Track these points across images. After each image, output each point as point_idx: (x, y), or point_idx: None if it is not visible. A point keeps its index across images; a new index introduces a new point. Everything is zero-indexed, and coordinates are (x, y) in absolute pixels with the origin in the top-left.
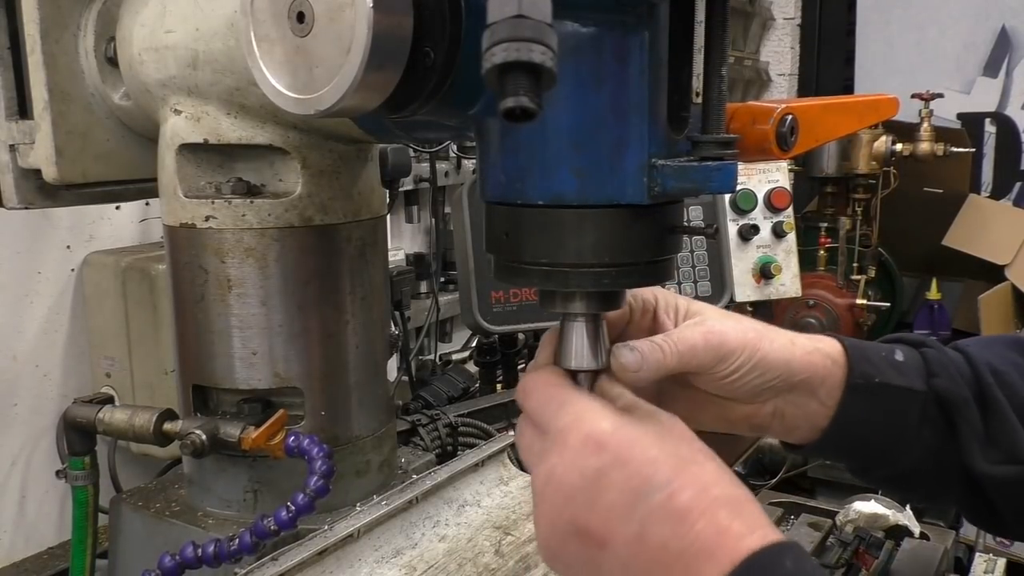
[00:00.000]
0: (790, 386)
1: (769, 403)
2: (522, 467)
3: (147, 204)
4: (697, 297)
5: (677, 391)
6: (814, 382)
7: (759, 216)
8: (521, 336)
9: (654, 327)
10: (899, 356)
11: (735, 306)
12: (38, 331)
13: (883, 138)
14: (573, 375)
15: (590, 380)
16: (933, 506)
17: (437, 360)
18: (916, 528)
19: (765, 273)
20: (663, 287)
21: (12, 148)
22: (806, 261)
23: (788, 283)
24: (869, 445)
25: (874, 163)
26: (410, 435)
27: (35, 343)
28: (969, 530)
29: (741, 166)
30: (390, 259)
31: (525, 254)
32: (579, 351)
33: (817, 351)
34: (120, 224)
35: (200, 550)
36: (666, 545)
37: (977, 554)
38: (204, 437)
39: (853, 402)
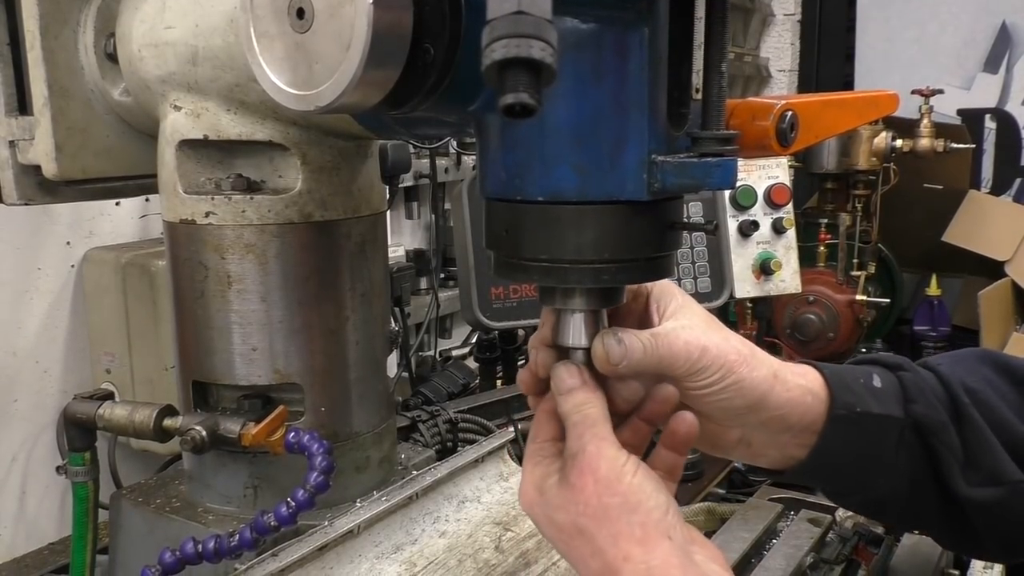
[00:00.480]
0: (761, 420)
1: (737, 429)
2: (522, 463)
3: (147, 200)
4: (697, 293)
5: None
6: (790, 419)
7: (759, 212)
8: (521, 332)
9: (644, 314)
10: (877, 382)
11: (735, 302)
12: (38, 327)
13: (883, 134)
14: (567, 350)
15: (585, 357)
16: (907, 529)
17: (437, 356)
18: None
19: (765, 269)
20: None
21: (12, 144)
22: (806, 257)
23: (788, 279)
24: (847, 472)
25: (874, 159)
26: (410, 431)
27: (35, 339)
28: None
29: (741, 162)
30: (390, 255)
31: (525, 250)
32: (576, 330)
33: (798, 387)
34: (120, 220)
35: (200, 546)
36: None
37: None
38: (204, 433)
39: (835, 433)
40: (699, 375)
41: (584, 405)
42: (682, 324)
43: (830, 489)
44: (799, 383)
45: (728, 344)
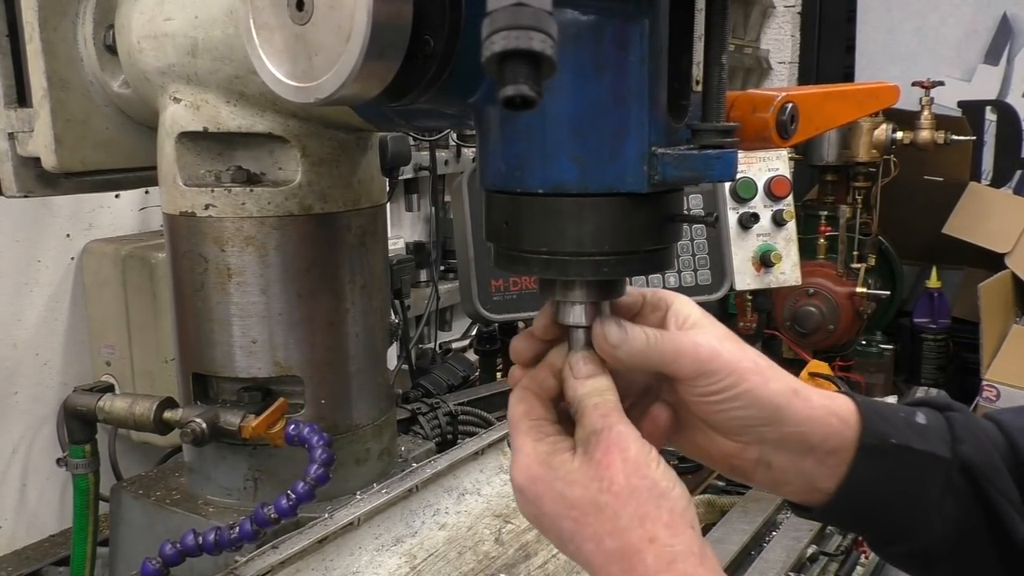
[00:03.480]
0: (780, 436)
1: (754, 447)
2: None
3: (146, 193)
4: (697, 286)
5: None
6: (812, 439)
7: (759, 204)
8: (521, 324)
9: (661, 326)
10: (921, 419)
11: (735, 295)
12: (38, 319)
13: (883, 126)
14: (568, 329)
15: (585, 336)
16: None
17: (437, 348)
18: None
19: (765, 261)
20: (681, 293)
21: (11, 136)
22: (806, 249)
23: (788, 271)
24: (885, 515)
25: (874, 151)
26: (410, 423)
27: (35, 331)
28: None
29: (741, 154)
30: (390, 247)
31: (525, 242)
32: (577, 312)
33: (822, 406)
34: (120, 212)
35: (201, 538)
36: None
37: None
38: (204, 425)
39: (866, 464)
40: (707, 379)
41: (606, 392)
42: (697, 331)
43: (868, 535)
44: (823, 402)
45: (743, 353)
